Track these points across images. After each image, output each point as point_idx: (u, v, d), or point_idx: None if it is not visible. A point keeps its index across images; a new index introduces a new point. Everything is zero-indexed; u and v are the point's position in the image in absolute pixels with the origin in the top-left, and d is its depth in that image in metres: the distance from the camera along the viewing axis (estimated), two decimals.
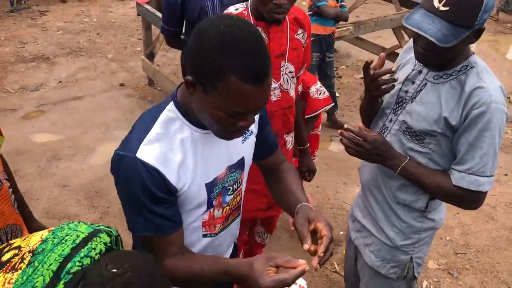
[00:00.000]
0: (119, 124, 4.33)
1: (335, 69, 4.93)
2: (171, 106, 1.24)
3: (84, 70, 5.42)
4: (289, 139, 2.20)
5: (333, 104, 4.42)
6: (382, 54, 1.61)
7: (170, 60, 5.80)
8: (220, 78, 1.05)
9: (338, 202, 3.63)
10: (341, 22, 4.38)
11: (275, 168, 1.56)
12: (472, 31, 1.40)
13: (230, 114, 1.11)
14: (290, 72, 2.03)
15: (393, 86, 1.59)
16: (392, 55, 5.43)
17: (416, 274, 1.81)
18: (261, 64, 1.06)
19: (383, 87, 1.59)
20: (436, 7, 1.38)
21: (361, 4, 5.82)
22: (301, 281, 1.29)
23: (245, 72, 1.04)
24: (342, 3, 4.19)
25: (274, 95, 2.02)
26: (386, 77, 1.59)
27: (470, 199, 1.57)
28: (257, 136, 1.46)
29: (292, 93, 2.07)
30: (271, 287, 1.09)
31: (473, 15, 1.36)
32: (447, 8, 1.37)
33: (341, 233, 3.27)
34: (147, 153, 1.17)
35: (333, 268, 2.88)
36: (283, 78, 2.01)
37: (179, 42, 2.70)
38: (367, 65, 1.59)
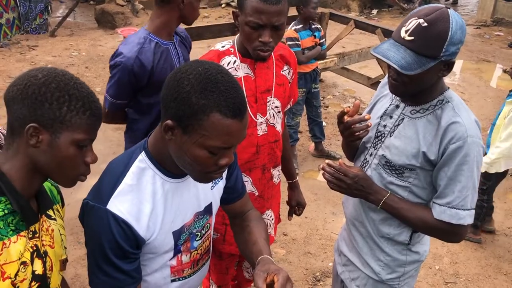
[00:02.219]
0: (107, 157, 4.25)
1: (321, 98, 5.00)
2: (142, 156, 1.25)
3: None
4: (276, 173, 2.21)
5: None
6: (357, 102, 1.65)
7: None
8: (205, 116, 1.09)
9: (327, 232, 3.62)
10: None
11: (242, 216, 1.57)
12: (438, 62, 1.43)
13: (212, 152, 1.14)
14: (276, 107, 2.05)
15: (367, 132, 1.63)
16: (377, 84, 5.52)
17: None
18: (241, 99, 1.13)
19: (356, 134, 1.62)
20: (402, 36, 1.43)
21: (346, 35, 5.94)
22: None
23: (228, 108, 1.10)
24: (322, 40, 4.28)
25: (261, 130, 2.04)
26: (359, 125, 1.62)
27: (452, 232, 1.58)
28: (226, 182, 1.48)
29: (279, 127, 2.10)
30: None
31: (438, 47, 1.40)
32: (412, 37, 1.41)
33: (330, 264, 3.25)
34: (118, 205, 1.18)
35: None
36: (269, 113, 2.04)
37: (124, 115, 2.44)
38: (342, 114, 1.63)
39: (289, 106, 2.21)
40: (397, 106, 1.64)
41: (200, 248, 1.43)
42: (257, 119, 1.98)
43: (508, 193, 4.16)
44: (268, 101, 2.01)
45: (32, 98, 1.02)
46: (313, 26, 4.18)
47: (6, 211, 1.04)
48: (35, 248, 1.11)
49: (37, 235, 1.12)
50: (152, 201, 1.23)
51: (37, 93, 1.02)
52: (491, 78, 7.01)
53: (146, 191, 1.23)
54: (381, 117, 1.68)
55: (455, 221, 1.53)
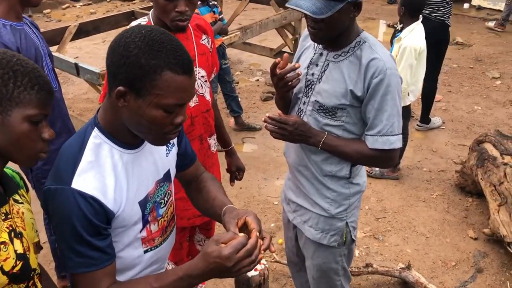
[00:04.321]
0: None
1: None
2: (95, 132, 1.26)
3: None
4: (212, 141, 2.27)
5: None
6: (286, 54, 1.76)
7: None
8: (157, 76, 1.13)
9: (263, 197, 3.77)
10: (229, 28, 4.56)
11: (196, 179, 1.63)
12: (347, 3, 1.59)
13: (168, 111, 1.17)
14: (203, 76, 2.11)
15: (298, 80, 1.76)
16: (279, 53, 5.75)
17: (353, 237, 1.99)
18: (188, 56, 1.18)
19: (289, 83, 1.75)
20: None
21: (241, 12, 6.07)
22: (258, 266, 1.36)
23: (178, 65, 1.14)
24: (221, 16, 4.36)
25: (192, 101, 2.08)
26: (291, 74, 1.74)
27: (386, 158, 1.78)
28: (178, 148, 1.53)
29: (208, 97, 2.16)
30: (232, 252, 1.12)
31: None
32: None
33: (272, 225, 3.41)
34: (82, 183, 1.18)
35: (273, 259, 3.00)
36: (197, 83, 2.09)
37: None
38: (274, 65, 1.74)
39: (213, 76, 2.27)
40: (321, 54, 1.79)
41: (166, 215, 1.46)
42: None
43: (413, 132, 4.60)
44: (194, 92, 2.06)
45: None
46: (210, 3, 4.25)
47: None
48: (10, 228, 1.10)
49: (10, 216, 1.11)
50: (114, 174, 1.24)
51: None
52: (378, 33, 7.58)
53: (106, 165, 1.24)
54: (308, 67, 1.82)
55: (387, 146, 1.72)
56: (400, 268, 2.86)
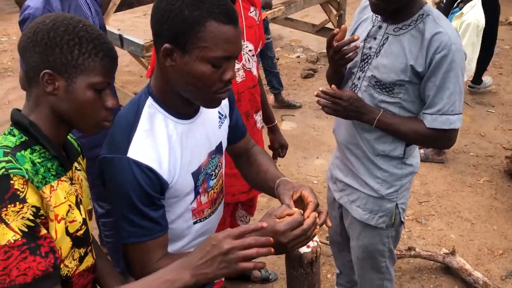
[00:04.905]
0: None
1: None
2: (149, 101, 1.23)
3: (15, 91, 5.14)
4: (258, 118, 2.23)
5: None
6: (344, 26, 1.68)
7: None
8: (201, 27, 1.09)
9: (302, 176, 3.73)
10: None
11: (247, 153, 1.59)
12: None
13: (215, 65, 1.13)
14: (250, 50, 2.06)
15: (356, 53, 1.67)
16: (323, 30, 5.61)
17: (402, 219, 1.92)
18: (230, 6, 1.14)
19: (347, 56, 1.66)
20: None
21: None
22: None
23: (222, 15, 1.10)
24: None
25: (239, 76, 2.04)
26: (349, 46, 1.66)
27: (444, 138, 1.69)
28: (229, 120, 1.50)
29: (255, 71, 2.11)
30: (287, 229, 1.10)
31: None
32: None
33: None
34: (138, 152, 1.16)
35: None
36: (244, 58, 2.04)
37: None
38: (332, 37, 1.65)
39: (259, 49, 2.21)
40: (380, 27, 1.70)
41: (216, 187, 1.44)
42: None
43: None
44: (242, 46, 2.01)
45: (42, 44, 0.99)
46: None
47: (43, 159, 1.03)
48: (76, 193, 1.10)
49: (73, 182, 1.11)
50: (168, 144, 1.22)
51: (46, 38, 0.99)
52: None
53: (161, 135, 1.22)
54: (365, 40, 1.73)
55: (447, 126, 1.63)
56: (444, 253, 2.78)
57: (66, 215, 1.04)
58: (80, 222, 1.08)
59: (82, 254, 1.10)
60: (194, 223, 1.40)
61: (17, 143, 1.01)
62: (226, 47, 1.12)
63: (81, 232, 1.08)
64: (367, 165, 1.83)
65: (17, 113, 1.05)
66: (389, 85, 1.67)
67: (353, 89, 1.78)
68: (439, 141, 1.72)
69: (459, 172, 3.75)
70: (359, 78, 1.77)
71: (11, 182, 0.91)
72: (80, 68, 1.02)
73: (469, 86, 4.79)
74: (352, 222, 1.99)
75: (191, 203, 1.35)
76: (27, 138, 1.02)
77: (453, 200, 3.44)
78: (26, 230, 0.91)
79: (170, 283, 0.98)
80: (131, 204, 1.17)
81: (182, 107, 1.25)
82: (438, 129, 1.65)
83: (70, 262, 1.06)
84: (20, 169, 0.94)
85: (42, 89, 1.02)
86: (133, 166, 1.15)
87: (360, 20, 1.82)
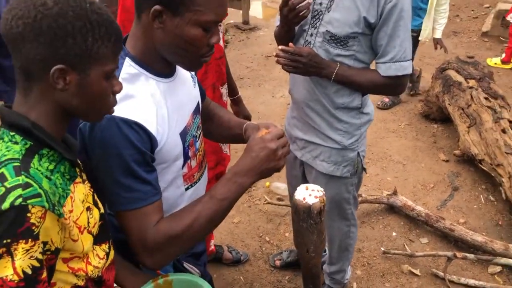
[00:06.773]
0: None
1: None
2: (128, 62, 1.17)
3: None
4: (224, 91, 2.20)
5: None
6: None
7: None
8: None
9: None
10: None
11: (206, 110, 1.58)
12: None
13: (206, 29, 1.12)
14: None
15: (309, 10, 1.70)
16: (231, 1, 5.57)
17: (364, 166, 2.03)
18: None
19: (301, 13, 1.69)
20: None
21: None
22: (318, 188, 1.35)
23: None
24: None
25: None
26: (302, 4, 1.68)
27: (398, 84, 1.80)
28: None
29: (221, 42, 2.07)
30: (274, 136, 1.18)
31: None
32: None
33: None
34: (124, 110, 1.10)
35: (265, 201, 3.03)
36: None
37: None
38: None
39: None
40: None
41: (201, 149, 1.43)
42: None
43: None
44: None
45: (50, 34, 0.84)
46: None
47: (54, 163, 0.92)
48: (91, 191, 1.03)
49: (84, 178, 1.03)
50: (154, 103, 1.17)
51: (55, 27, 0.84)
52: None
53: (145, 94, 1.16)
54: None
55: (401, 72, 1.74)
56: (387, 195, 3.00)
57: (88, 222, 0.97)
58: (97, 221, 1.02)
59: (107, 250, 1.05)
60: (186, 189, 1.37)
61: (23, 153, 0.87)
62: (218, 10, 1.11)
63: (97, 227, 1.02)
64: (328, 119, 1.90)
65: (12, 113, 0.90)
66: (343, 39, 1.73)
67: (307, 46, 1.82)
68: (394, 88, 1.83)
69: (381, 120, 4.02)
70: (311, 35, 1.80)
71: (28, 215, 0.81)
72: (94, 57, 0.90)
73: None
74: (316, 177, 2.06)
75: (181, 168, 1.31)
76: (31, 144, 0.89)
77: (382, 146, 3.69)
78: (30, 272, 0.82)
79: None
80: (125, 165, 1.10)
81: (162, 67, 1.22)
82: (393, 76, 1.75)
83: (99, 262, 1.00)
84: (40, 196, 0.82)
85: (50, 86, 0.88)
86: (120, 124, 1.08)
87: None
